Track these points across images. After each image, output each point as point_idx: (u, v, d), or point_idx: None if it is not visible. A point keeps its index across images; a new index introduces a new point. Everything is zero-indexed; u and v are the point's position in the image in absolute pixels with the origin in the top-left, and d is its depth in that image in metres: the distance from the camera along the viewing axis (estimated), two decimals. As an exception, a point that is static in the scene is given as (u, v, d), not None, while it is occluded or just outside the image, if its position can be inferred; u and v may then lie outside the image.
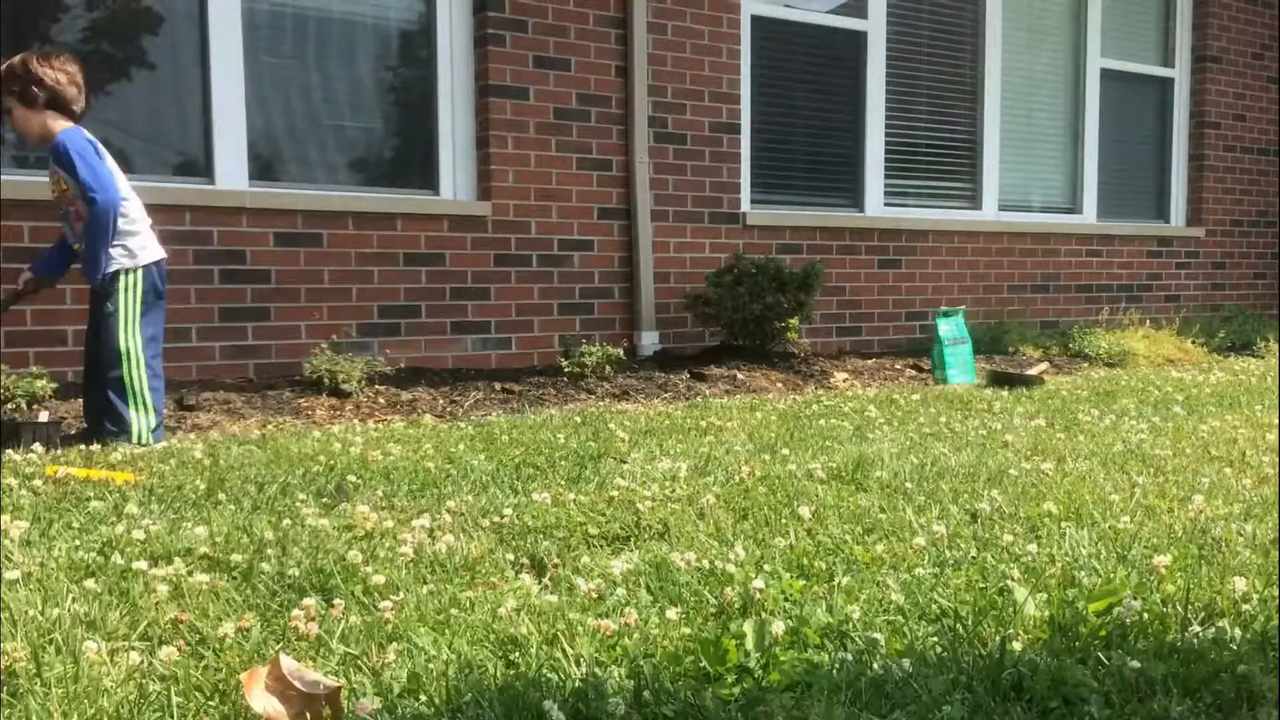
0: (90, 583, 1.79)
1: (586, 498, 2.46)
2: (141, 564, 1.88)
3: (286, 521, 2.23)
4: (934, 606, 1.69)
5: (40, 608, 1.69)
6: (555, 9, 5.36)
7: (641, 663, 1.47)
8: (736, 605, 1.70)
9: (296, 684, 1.33)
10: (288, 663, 1.36)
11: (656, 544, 2.11)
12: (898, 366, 5.84)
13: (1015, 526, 2.20)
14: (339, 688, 1.36)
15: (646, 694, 1.36)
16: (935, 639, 1.57)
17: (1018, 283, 7.19)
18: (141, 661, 1.48)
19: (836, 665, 1.46)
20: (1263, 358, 6.78)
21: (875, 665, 1.45)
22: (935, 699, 1.36)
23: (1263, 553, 2.00)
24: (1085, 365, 6.20)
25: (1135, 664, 1.42)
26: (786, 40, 6.31)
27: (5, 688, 1.39)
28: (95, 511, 2.34)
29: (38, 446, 3.21)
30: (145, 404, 3.43)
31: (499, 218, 5.28)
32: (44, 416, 3.63)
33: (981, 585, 1.80)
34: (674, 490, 2.53)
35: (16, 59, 3.45)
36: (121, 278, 3.47)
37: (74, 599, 1.72)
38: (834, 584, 1.82)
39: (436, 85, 5.23)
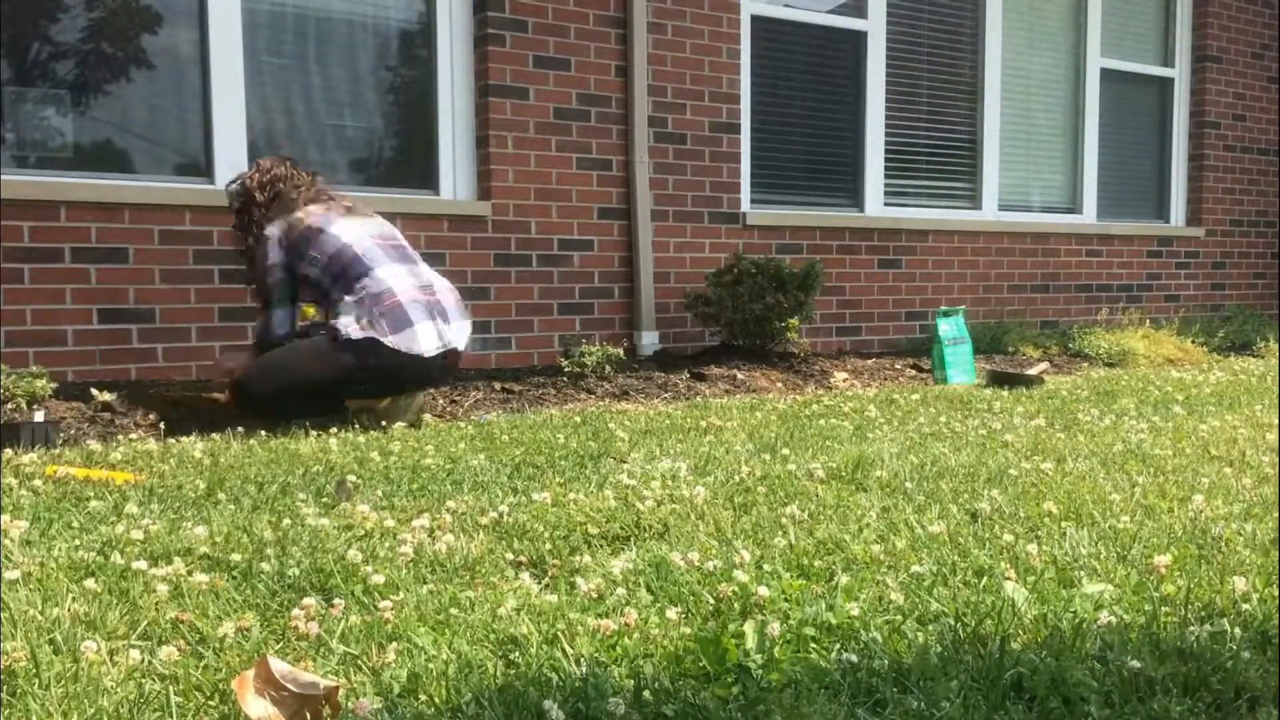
0: (90, 583, 1.79)
1: (587, 497, 2.46)
2: (141, 564, 1.88)
3: (286, 521, 2.23)
4: (933, 606, 1.69)
5: (40, 608, 1.69)
6: (555, 9, 5.36)
7: (641, 662, 1.47)
8: (736, 605, 1.70)
9: (290, 685, 1.33)
10: (277, 664, 1.36)
11: (656, 543, 2.11)
12: (898, 366, 5.84)
13: (1015, 526, 2.20)
14: (336, 687, 1.35)
15: (646, 694, 1.36)
16: (935, 639, 1.57)
17: (1018, 283, 7.19)
18: (141, 661, 1.48)
19: (836, 665, 1.46)
20: (1262, 358, 6.78)
21: (875, 665, 1.45)
22: (935, 699, 1.36)
23: (1263, 552, 2.00)
24: (1085, 365, 6.20)
25: (1135, 664, 1.42)
26: (786, 40, 6.31)
27: (5, 688, 1.39)
28: (95, 511, 2.34)
29: (36, 446, 3.21)
30: None
31: (499, 218, 5.29)
32: (40, 416, 3.63)
33: (981, 585, 1.80)
34: (674, 490, 2.53)
35: None
36: None
37: (74, 599, 1.72)
38: (834, 583, 1.82)
39: (436, 85, 5.23)
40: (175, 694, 1.39)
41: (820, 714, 1.32)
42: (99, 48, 4.58)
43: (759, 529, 2.20)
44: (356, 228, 3.81)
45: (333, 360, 3.64)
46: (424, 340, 3.69)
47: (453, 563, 1.97)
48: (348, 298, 3.68)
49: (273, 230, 3.80)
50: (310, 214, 3.81)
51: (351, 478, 2.71)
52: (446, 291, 3.88)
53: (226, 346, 4.66)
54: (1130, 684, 1.39)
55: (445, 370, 3.89)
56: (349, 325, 3.64)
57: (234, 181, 4.02)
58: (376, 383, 3.74)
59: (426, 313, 3.73)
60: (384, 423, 3.68)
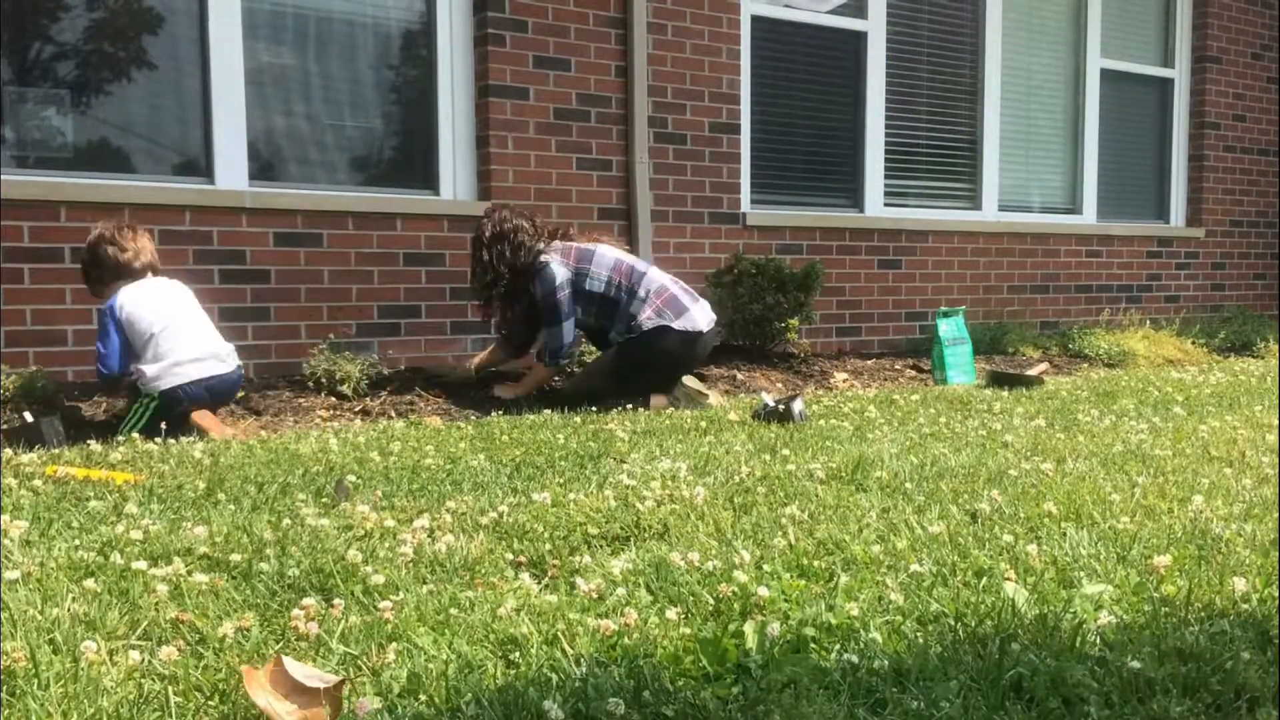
0: (90, 583, 1.79)
1: (587, 498, 2.46)
2: (141, 564, 1.88)
3: (286, 521, 2.23)
4: (933, 606, 1.69)
5: (40, 608, 1.69)
6: (555, 9, 5.36)
7: (641, 662, 1.47)
8: (736, 605, 1.70)
9: (301, 680, 1.33)
10: (290, 663, 1.36)
11: (656, 544, 2.11)
12: (898, 366, 5.84)
13: (1015, 527, 2.20)
14: (341, 682, 1.36)
15: (646, 694, 1.36)
16: (935, 639, 1.57)
17: (1018, 283, 7.19)
18: (141, 661, 1.48)
19: (836, 665, 1.46)
20: (1263, 358, 6.78)
21: (875, 665, 1.45)
22: (935, 699, 1.36)
23: (1263, 553, 2.00)
24: (1085, 365, 6.20)
25: (1135, 664, 1.42)
26: (786, 40, 6.30)
27: (5, 688, 1.39)
28: (95, 511, 2.34)
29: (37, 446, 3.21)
30: None
31: (499, 218, 5.28)
32: (29, 417, 3.63)
33: (981, 585, 1.80)
34: (674, 490, 2.53)
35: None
36: None
37: (74, 599, 1.72)
38: (834, 583, 1.82)
39: (436, 85, 5.23)
40: (175, 694, 1.39)
41: (820, 714, 1.32)
42: (99, 48, 4.58)
43: (759, 529, 2.20)
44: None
45: (630, 354, 4.44)
46: (702, 318, 4.55)
47: (452, 563, 1.97)
48: (637, 300, 4.45)
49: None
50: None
51: (351, 478, 2.71)
52: None
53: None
54: (1130, 684, 1.39)
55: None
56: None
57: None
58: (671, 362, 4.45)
59: None
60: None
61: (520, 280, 4.43)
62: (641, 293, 4.42)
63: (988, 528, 2.19)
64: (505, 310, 4.57)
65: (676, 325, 4.38)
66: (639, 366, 4.39)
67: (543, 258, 4.41)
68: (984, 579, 1.84)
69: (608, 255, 4.49)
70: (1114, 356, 6.35)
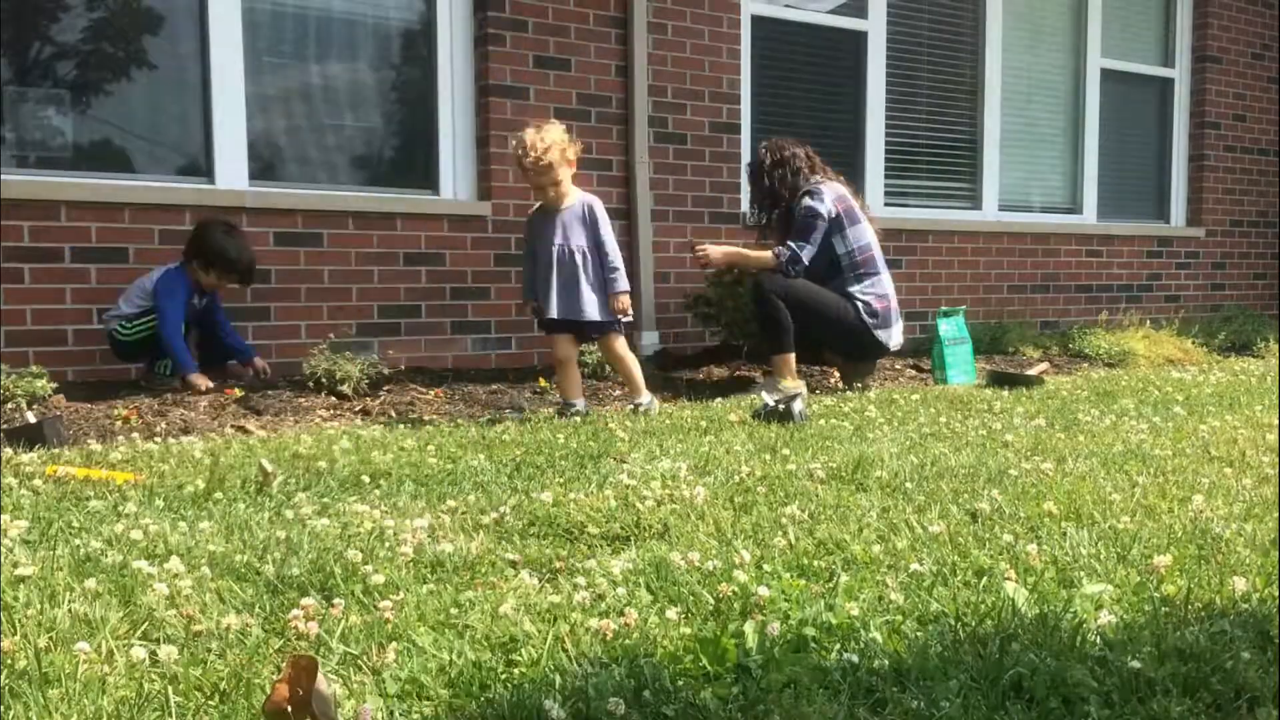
0: (90, 582, 1.79)
1: (587, 497, 2.46)
2: (141, 563, 1.88)
3: (287, 520, 2.23)
4: (933, 606, 1.69)
5: (40, 607, 1.69)
6: (555, 9, 5.36)
7: (642, 662, 1.47)
8: (736, 605, 1.70)
9: (315, 707, 1.27)
10: (322, 683, 1.29)
11: (656, 543, 2.11)
12: (898, 366, 5.83)
13: (1015, 526, 2.20)
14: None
15: (646, 693, 1.36)
16: (935, 639, 1.57)
17: (1018, 283, 7.19)
18: (142, 661, 1.48)
19: (836, 665, 1.46)
20: (1263, 358, 6.78)
21: (875, 664, 1.45)
22: (935, 699, 1.36)
23: (1263, 552, 2.00)
24: (1085, 365, 6.20)
25: (1135, 664, 1.42)
26: (786, 40, 6.31)
27: (5, 688, 1.39)
28: (95, 511, 2.34)
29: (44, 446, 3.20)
30: None
31: (499, 218, 5.28)
32: (31, 417, 3.63)
33: (981, 585, 1.80)
34: (674, 490, 2.52)
35: None
36: None
37: (74, 599, 1.72)
38: (834, 583, 1.82)
39: (436, 85, 5.23)
40: (175, 694, 1.39)
41: (820, 714, 1.32)
42: (100, 48, 4.58)
43: (759, 529, 2.20)
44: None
45: (846, 312, 4.85)
46: (895, 339, 4.99)
47: (453, 563, 1.97)
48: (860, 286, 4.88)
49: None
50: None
51: (365, 478, 2.71)
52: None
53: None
54: (1130, 684, 1.39)
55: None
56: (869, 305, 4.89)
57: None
58: (857, 347, 5.02)
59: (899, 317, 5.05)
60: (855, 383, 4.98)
61: (788, 202, 4.87)
62: (868, 283, 4.85)
63: (988, 527, 2.19)
64: (781, 231, 4.94)
65: (879, 335, 4.86)
66: (834, 329, 4.84)
67: (822, 185, 4.84)
68: (984, 579, 1.84)
69: (864, 234, 4.86)
70: (1114, 356, 6.34)
